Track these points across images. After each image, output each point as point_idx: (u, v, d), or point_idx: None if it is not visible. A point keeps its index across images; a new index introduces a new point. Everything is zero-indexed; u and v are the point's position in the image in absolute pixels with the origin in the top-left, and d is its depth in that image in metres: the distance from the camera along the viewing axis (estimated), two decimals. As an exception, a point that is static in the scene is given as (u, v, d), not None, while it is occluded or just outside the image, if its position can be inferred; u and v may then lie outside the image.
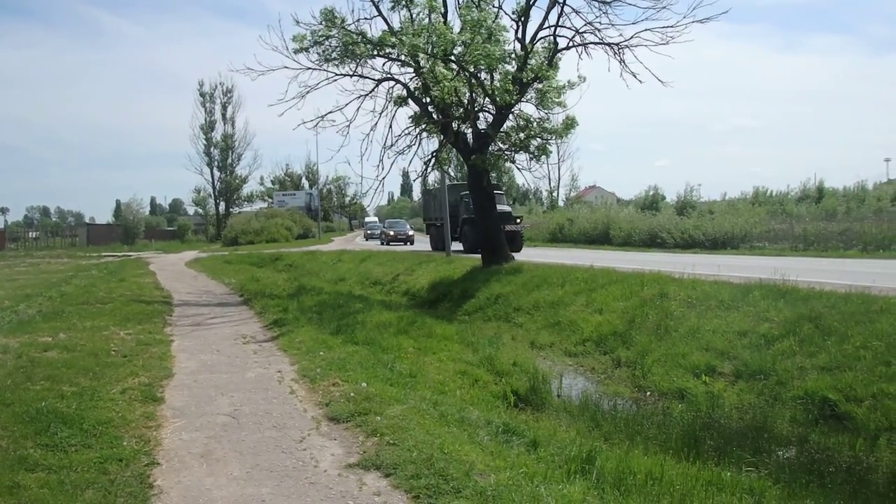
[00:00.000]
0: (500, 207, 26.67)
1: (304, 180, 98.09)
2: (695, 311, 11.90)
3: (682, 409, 9.03)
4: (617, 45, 18.18)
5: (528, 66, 18.70)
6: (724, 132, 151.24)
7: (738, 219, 33.07)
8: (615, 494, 5.42)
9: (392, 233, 50.09)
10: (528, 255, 26.31)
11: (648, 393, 10.07)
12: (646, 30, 17.64)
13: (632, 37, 17.93)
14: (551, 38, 19.28)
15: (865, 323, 9.60)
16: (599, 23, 18.31)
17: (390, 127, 19.73)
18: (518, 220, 31.63)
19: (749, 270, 16.10)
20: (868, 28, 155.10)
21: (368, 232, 64.84)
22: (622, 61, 18.18)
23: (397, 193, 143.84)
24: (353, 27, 18.60)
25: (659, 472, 6.01)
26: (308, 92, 18.86)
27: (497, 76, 19.26)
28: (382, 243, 48.97)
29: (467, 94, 19.68)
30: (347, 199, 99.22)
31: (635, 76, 18.02)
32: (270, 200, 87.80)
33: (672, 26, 17.20)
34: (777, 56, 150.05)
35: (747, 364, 9.68)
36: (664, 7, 17.36)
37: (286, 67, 18.70)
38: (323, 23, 18.38)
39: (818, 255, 24.23)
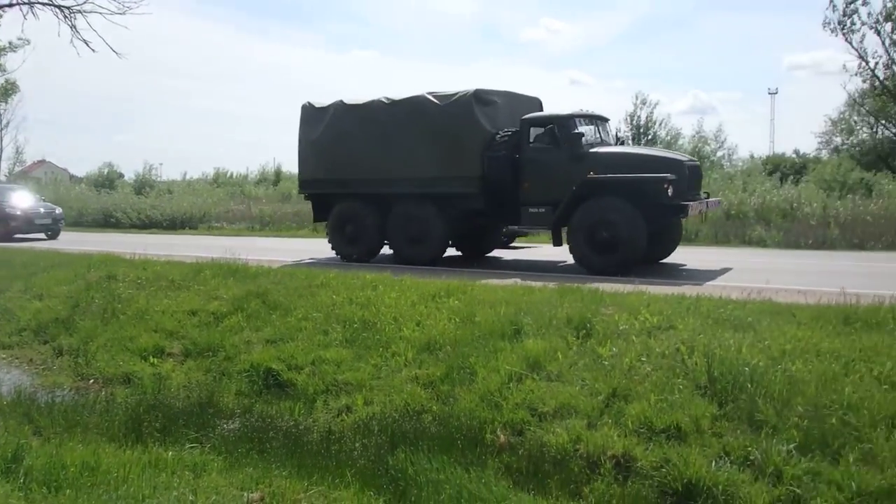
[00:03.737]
0: (681, 156, 14.73)
1: None
2: (145, 293, 11.76)
3: (127, 393, 8.85)
4: (68, 8, 16.95)
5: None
6: (195, 112, 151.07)
7: (197, 199, 33.71)
8: (44, 492, 5.08)
9: None
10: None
11: (92, 381, 9.64)
12: (102, -5, 16.59)
13: (85, 2, 16.86)
14: (-7, -11, 16.99)
15: (307, 296, 10.55)
16: (52, -20, 16.59)
17: None
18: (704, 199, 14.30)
19: (205, 250, 16.48)
20: (328, 25, 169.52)
21: None
22: (73, 27, 16.96)
23: None
24: None
25: (95, 461, 5.79)
26: None
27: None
28: None
29: None
30: None
31: (87, 44, 17.01)
32: None
33: (131, -6, 16.30)
34: (252, 40, 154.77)
35: (196, 342, 9.90)
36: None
37: None
38: None
39: (274, 234, 25.93)
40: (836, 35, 25.84)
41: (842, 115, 45.03)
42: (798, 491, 5.19)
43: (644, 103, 62.61)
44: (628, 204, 12.39)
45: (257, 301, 10.64)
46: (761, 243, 18.70)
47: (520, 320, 8.34)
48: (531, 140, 13.94)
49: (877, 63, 25.67)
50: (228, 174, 48.20)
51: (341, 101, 15.83)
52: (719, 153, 52.77)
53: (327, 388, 8.26)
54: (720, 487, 5.33)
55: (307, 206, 29.68)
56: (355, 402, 7.80)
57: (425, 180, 14.44)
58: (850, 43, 25.65)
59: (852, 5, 25.39)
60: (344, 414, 7.72)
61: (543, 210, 13.54)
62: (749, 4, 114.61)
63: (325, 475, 6.12)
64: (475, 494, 5.66)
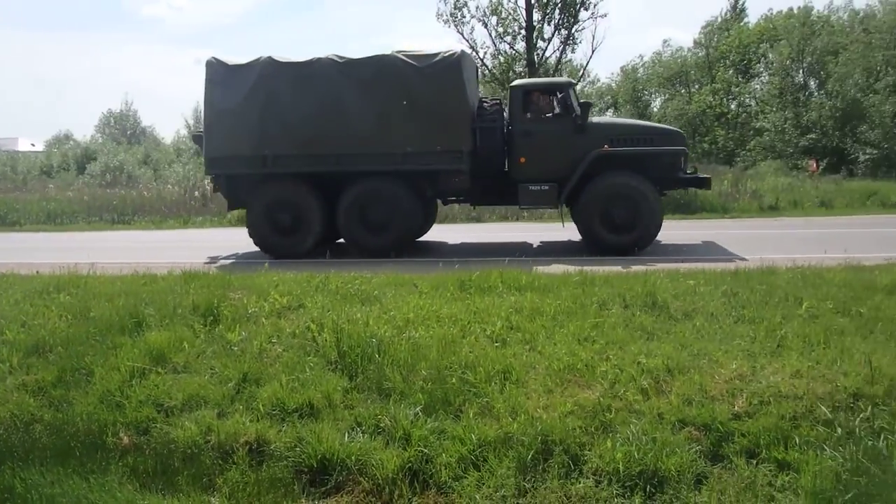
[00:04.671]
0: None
1: None
2: None
3: None
4: None
5: None
6: None
7: None
8: None
9: None
10: None
11: None
12: None
13: None
14: None
15: None
16: None
17: None
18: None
19: None
20: None
21: None
22: None
23: None
24: None
25: None
26: None
27: None
28: None
29: None
30: None
31: None
32: None
33: None
34: None
35: None
36: None
37: None
38: None
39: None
40: (450, 26, 27.89)
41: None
42: (426, 451, 5.49)
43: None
44: (644, 179, 11.93)
45: None
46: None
47: (141, 312, 7.85)
48: (526, 109, 12.61)
49: (486, 53, 28.21)
50: None
51: (270, 59, 12.84)
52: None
53: None
54: (353, 458, 5.48)
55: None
56: (-53, 422, 6.81)
57: (397, 156, 12.32)
58: (462, 34, 27.86)
59: (461, -1, 27.51)
60: (-67, 436, 6.71)
61: (547, 187, 12.26)
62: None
63: None
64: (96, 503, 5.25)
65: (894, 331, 6.57)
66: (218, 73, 13.01)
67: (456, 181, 12.54)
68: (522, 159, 12.42)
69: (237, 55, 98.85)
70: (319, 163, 12.53)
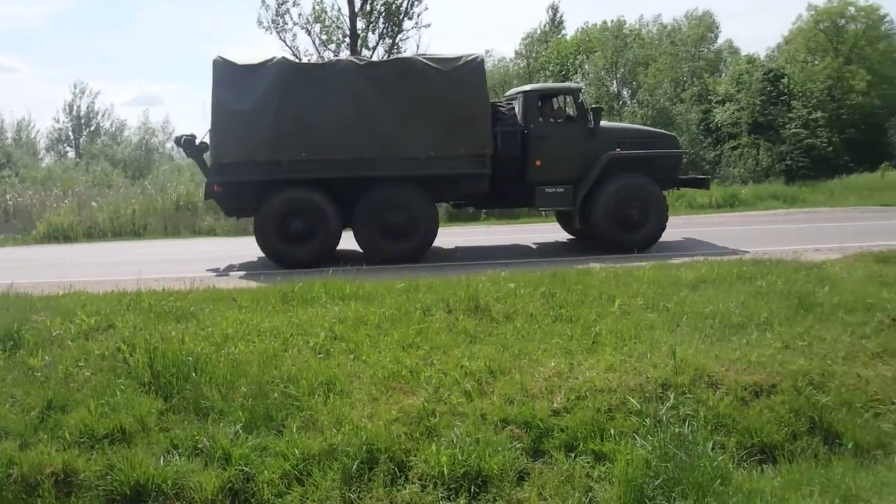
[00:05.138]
0: None
1: None
2: None
3: None
4: None
5: None
6: None
7: None
8: None
9: None
10: None
11: None
12: None
13: None
14: None
15: None
16: None
17: None
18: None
19: None
20: None
21: None
22: None
23: None
24: None
25: None
26: None
27: None
28: None
29: None
30: None
31: None
32: None
33: None
34: None
35: None
36: None
37: None
38: None
39: None
40: (271, 33, 27.41)
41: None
42: (247, 469, 5.35)
43: (84, 93, 60.04)
44: (652, 180, 12.67)
45: None
46: (211, 232, 19.03)
47: (-71, 341, 7.24)
48: (541, 113, 12.93)
49: (310, 60, 27.92)
50: None
51: (284, 59, 12.24)
52: (168, 145, 53.55)
53: None
54: (170, 482, 5.27)
55: None
56: None
57: (420, 160, 12.15)
58: (284, 41, 27.44)
59: (284, 6, 27.13)
60: None
61: (562, 189, 12.64)
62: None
63: None
64: None
65: (697, 323, 7.05)
66: (226, 74, 12.22)
67: (477, 185, 12.62)
68: (538, 162, 12.76)
69: (40, 64, 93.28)
70: (339, 168, 12.13)
